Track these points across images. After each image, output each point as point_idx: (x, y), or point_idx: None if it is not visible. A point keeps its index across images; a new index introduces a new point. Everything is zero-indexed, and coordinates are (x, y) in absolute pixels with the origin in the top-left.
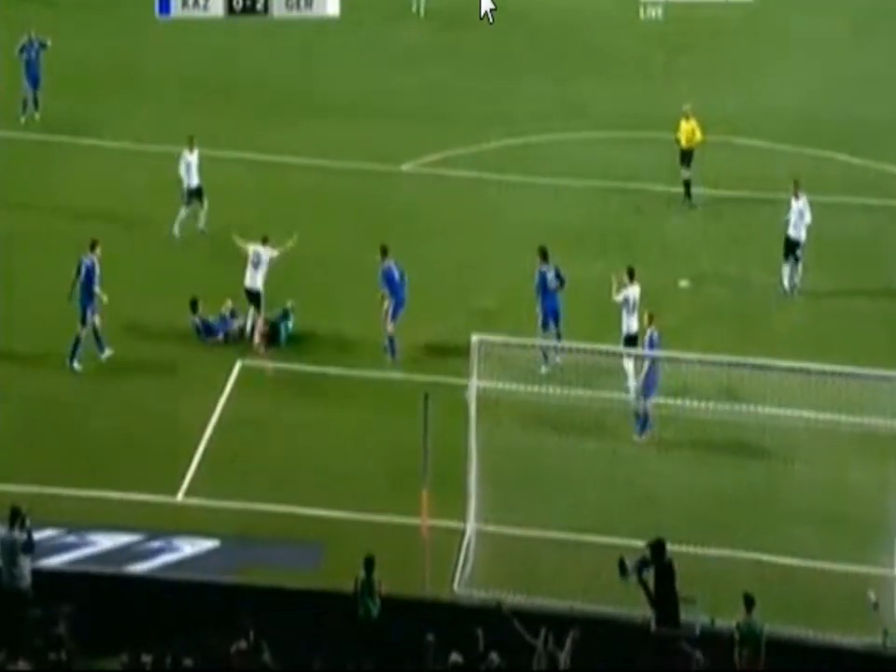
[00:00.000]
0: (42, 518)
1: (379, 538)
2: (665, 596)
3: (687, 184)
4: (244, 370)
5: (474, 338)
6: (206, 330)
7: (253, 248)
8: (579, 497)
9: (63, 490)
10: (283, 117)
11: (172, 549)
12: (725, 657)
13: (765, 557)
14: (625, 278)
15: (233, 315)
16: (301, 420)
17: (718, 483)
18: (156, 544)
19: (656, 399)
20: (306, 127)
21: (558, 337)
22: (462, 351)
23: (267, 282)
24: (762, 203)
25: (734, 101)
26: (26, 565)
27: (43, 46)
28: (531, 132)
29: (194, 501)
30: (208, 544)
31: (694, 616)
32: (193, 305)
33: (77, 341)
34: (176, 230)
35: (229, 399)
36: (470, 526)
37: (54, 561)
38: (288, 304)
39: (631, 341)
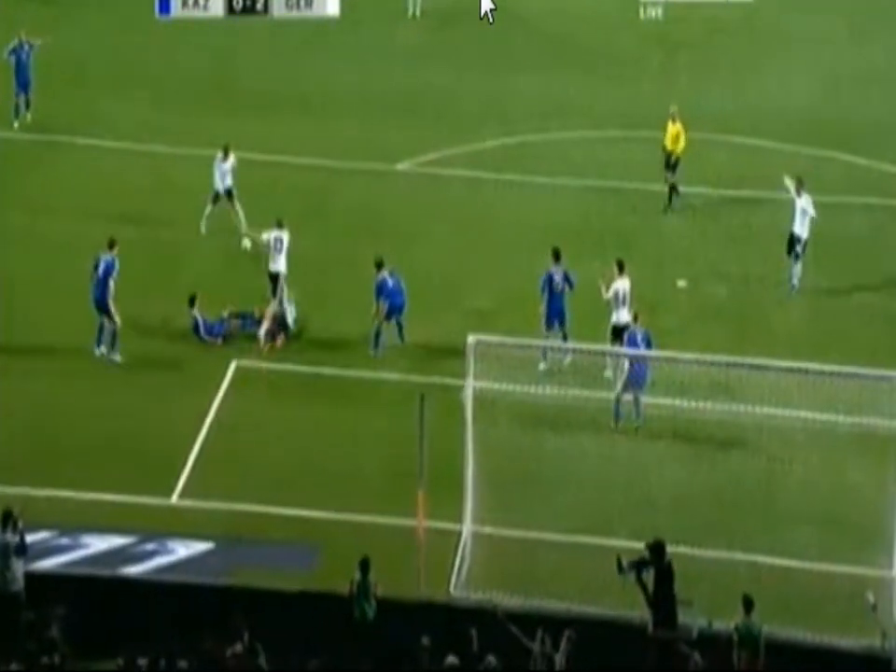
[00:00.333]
0: (35, 520)
1: (375, 539)
2: (663, 598)
3: (671, 188)
4: (239, 370)
5: (470, 338)
6: (204, 329)
7: (272, 235)
8: (576, 498)
9: (55, 492)
10: (282, 116)
11: (166, 551)
12: (724, 659)
13: (764, 559)
14: (615, 270)
15: (233, 316)
16: (296, 421)
17: (715, 484)
18: (150, 546)
19: (646, 399)
20: (305, 127)
21: (564, 338)
22: (458, 351)
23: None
24: (760, 202)
25: (733, 100)
26: (19, 567)
27: (33, 47)
28: (528, 131)
29: (188, 503)
30: (203, 546)
31: (692, 618)
32: (191, 301)
33: (114, 334)
34: (203, 227)
35: (223, 399)
36: (467, 528)
37: (47, 563)
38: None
39: (617, 332)
